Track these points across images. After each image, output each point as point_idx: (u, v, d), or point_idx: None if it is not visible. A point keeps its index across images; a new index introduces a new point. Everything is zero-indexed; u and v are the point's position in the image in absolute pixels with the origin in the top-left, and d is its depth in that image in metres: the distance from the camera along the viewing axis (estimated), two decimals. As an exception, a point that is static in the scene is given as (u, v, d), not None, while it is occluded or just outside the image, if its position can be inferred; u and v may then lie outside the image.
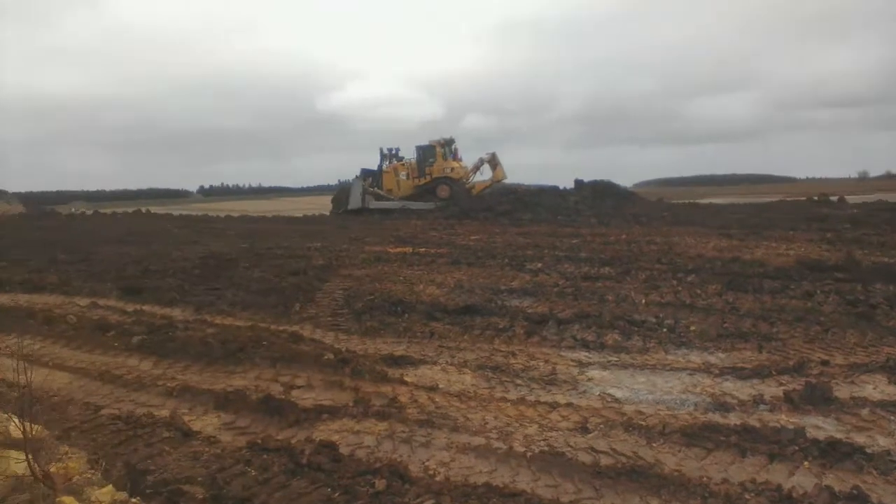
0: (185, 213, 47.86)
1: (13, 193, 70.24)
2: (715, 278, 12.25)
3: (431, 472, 4.99)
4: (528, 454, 5.23)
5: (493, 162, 38.75)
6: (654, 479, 4.75)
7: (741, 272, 12.89)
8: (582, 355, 8.04)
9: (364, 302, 11.06)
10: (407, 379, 7.22)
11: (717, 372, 7.23)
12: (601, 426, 5.78)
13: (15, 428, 4.69)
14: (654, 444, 5.40)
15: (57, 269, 16.00)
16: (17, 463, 4.36)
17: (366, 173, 39.08)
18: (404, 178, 38.98)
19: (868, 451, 5.09)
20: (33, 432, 4.45)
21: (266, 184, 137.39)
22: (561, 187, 39.25)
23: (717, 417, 5.94)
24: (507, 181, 39.37)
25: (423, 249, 18.74)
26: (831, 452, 5.08)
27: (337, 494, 4.51)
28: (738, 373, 7.15)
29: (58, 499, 4.05)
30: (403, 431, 5.79)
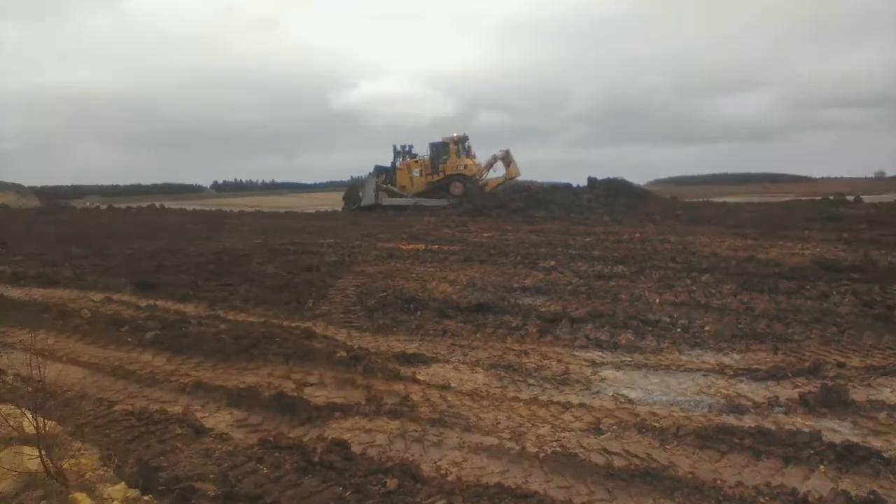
0: (198, 208, 47.98)
1: (28, 187, 70.62)
2: (730, 278, 12.17)
3: (443, 472, 4.97)
4: (541, 455, 5.20)
5: (507, 159, 38.67)
6: (667, 482, 4.71)
7: (756, 272, 12.80)
8: (595, 355, 8.00)
9: (377, 299, 11.05)
10: (419, 377, 7.21)
11: (731, 373, 7.18)
12: (614, 427, 5.74)
13: (28, 424, 4.70)
14: (667, 446, 5.36)
15: (71, 264, 16.11)
16: (31, 459, 4.37)
17: (379, 170, 39.11)
18: (417, 174, 38.98)
19: (885, 455, 5.03)
20: (46, 428, 4.47)
21: (279, 180, 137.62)
22: (574, 185, 39.17)
23: (731, 419, 5.90)
24: (520, 178, 39.28)
25: (435, 246, 18.73)
26: (847, 456, 5.02)
27: (348, 493, 4.50)
28: (753, 374, 7.09)
29: (70, 496, 4.06)
30: (415, 430, 5.77)
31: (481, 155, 39.94)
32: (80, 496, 4.08)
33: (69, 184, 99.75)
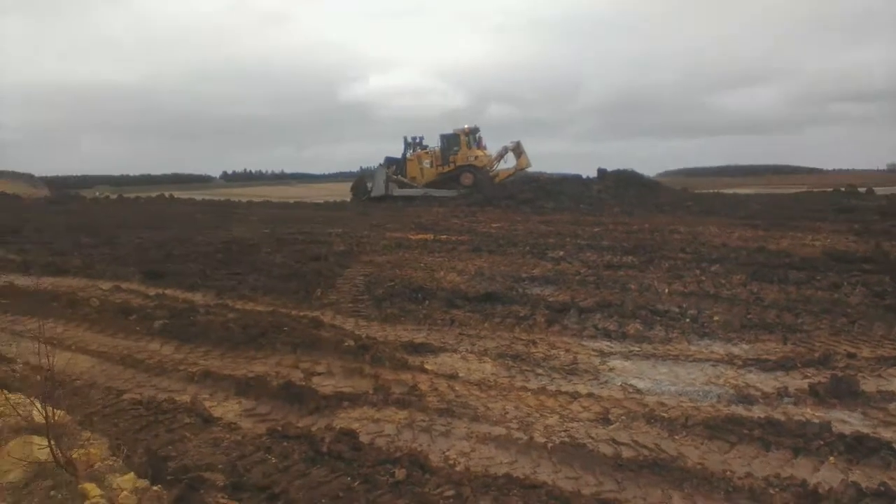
0: (207, 197, 48.07)
1: (39, 178, 70.95)
2: (739, 268, 12.12)
3: (451, 462, 4.97)
4: (549, 445, 5.19)
5: (518, 150, 38.53)
6: (676, 473, 4.69)
7: (766, 262, 12.74)
8: (603, 345, 7.98)
9: (385, 288, 11.05)
10: (427, 367, 7.20)
11: (740, 363, 7.15)
12: (623, 417, 5.72)
13: (38, 413, 4.71)
14: (676, 437, 5.34)
15: (80, 253, 16.18)
16: (40, 449, 4.38)
17: (390, 161, 39.08)
18: (428, 165, 38.91)
19: (895, 446, 5.00)
20: (56, 417, 4.48)
21: (288, 170, 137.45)
22: (584, 176, 39.00)
23: (740, 410, 5.87)
24: (529, 170, 39.17)
25: (444, 237, 18.71)
26: (858, 447, 4.99)
27: (357, 483, 4.49)
28: (762, 364, 7.06)
29: (80, 486, 4.06)
30: (423, 420, 5.76)
31: (492, 147, 39.88)
32: (89, 486, 4.07)
33: (79, 174, 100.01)
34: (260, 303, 10.40)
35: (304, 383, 6.65)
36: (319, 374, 7.06)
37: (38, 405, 4.74)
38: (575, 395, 6.27)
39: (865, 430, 5.31)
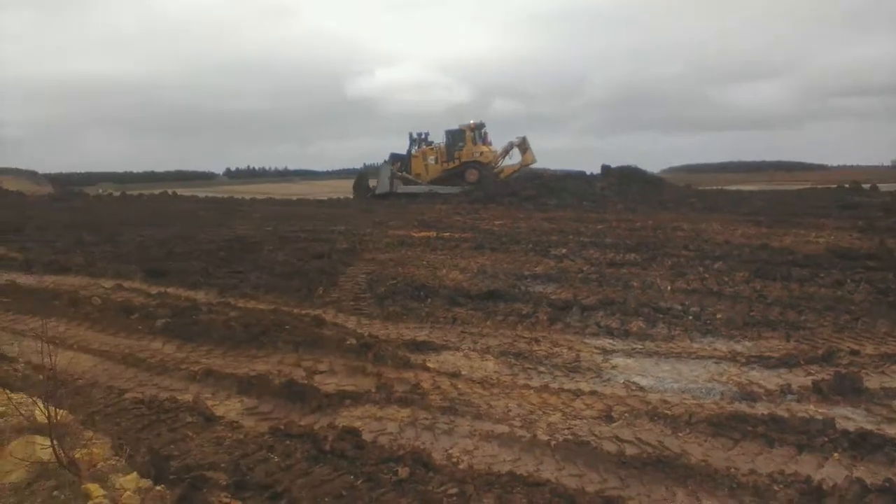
0: (210, 195, 48.11)
1: (43, 174, 71.00)
2: (742, 265, 12.09)
3: (455, 460, 4.96)
4: (553, 443, 5.18)
5: (523, 146, 38.32)
6: (680, 470, 4.69)
7: (769, 259, 12.71)
8: (606, 342, 7.97)
9: (387, 286, 11.04)
10: (429, 365, 7.19)
11: (743, 360, 7.13)
12: (626, 415, 5.71)
13: (40, 412, 4.71)
14: (679, 434, 5.33)
15: (83, 251, 16.18)
16: (43, 449, 4.37)
17: (395, 158, 38.92)
18: (433, 162, 38.74)
19: (900, 443, 4.98)
20: (58, 417, 4.47)
21: (292, 167, 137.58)
22: (587, 172, 38.87)
23: (743, 407, 5.86)
24: (534, 166, 39.02)
25: (447, 234, 18.70)
26: (862, 444, 4.98)
27: (360, 482, 4.49)
28: (766, 362, 7.05)
29: (83, 486, 4.06)
30: (426, 418, 5.76)
31: (497, 142, 39.74)
32: (92, 486, 4.06)
33: (83, 171, 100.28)
34: (262, 301, 10.39)
35: (306, 382, 6.65)
36: (322, 372, 7.05)
37: (41, 405, 4.73)
38: (578, 393, 6.26)
39: (869, 427, 5.29)
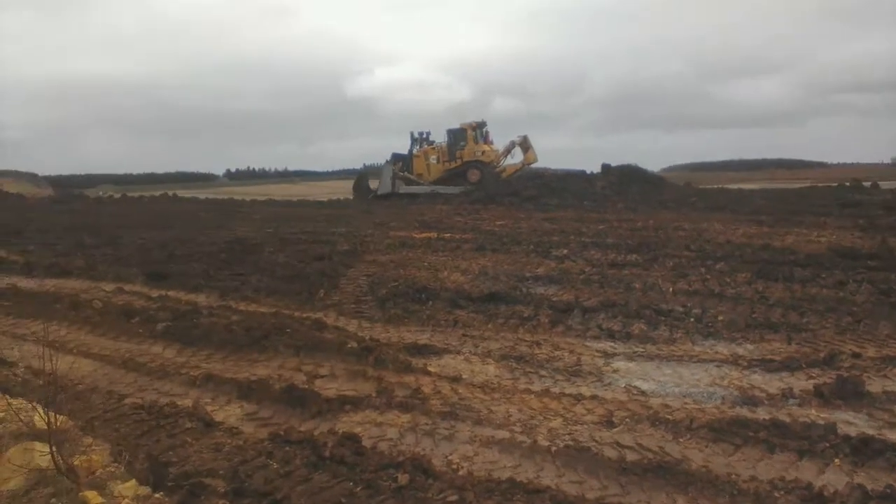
0: (211, 196, 48.12)
1: (43, 177, 71.09)
2: (744, 266, 12.05)
3: (455, 467, 4.94)
4: (553, 449, 5.16)
5: (525, 145, 38.17)
6: (680, 476, 4.66)
7: (771, 260, 12.67)
8: (607, 345, 7.95)
9: (388, 289, 11.02)
10: (430, 369, 7.18)
11: (745, 364, 7.11)
12: (627, 420, 5.69)
13: (39, 418, 4.69)
14: (680, 440, 5.31)
15: (83, 254, 16.19)
16: (41, 455, 4.36)
17: (396, 157, 38.76)
18: (434, 161, 38.57)
19: (902, 448, 4.96)
20: (58, 423, 4.45)
21: (292, 167, 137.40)
22: (588, 172, 38.73)
23: (745, 412, 5.83)
24: (535, 165, 38.90)
25: (448, 235, 18.67)
26: (863, 449, 4.95)
27: (359, 489, 4.47)
28: (767, 365, 7.02)
29: (81, 493, 4.04)
30: (426, 424, 5.74)
31: (498, 141, 39.62)
32: (90, 494, 4.05)
33: (83, 173, 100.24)
34: (263, 304, 10.38)
35: (306, 387, 6.62)
36: (322, 377, 7.04)
37: (40, 410, 4.72)
38: (579, 398, 6.23)
39: (871, 432, 5.27)
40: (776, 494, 4.36)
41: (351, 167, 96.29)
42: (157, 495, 4.22)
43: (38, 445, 4.53)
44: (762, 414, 5.73)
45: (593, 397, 6.23)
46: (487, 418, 5.82)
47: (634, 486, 4.62)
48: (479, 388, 6.59)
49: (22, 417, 4.96)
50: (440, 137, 39.39)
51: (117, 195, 51.13)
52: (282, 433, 5.41)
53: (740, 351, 7.58)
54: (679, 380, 6.75)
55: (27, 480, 4.28)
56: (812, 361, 7.02)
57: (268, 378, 6.89)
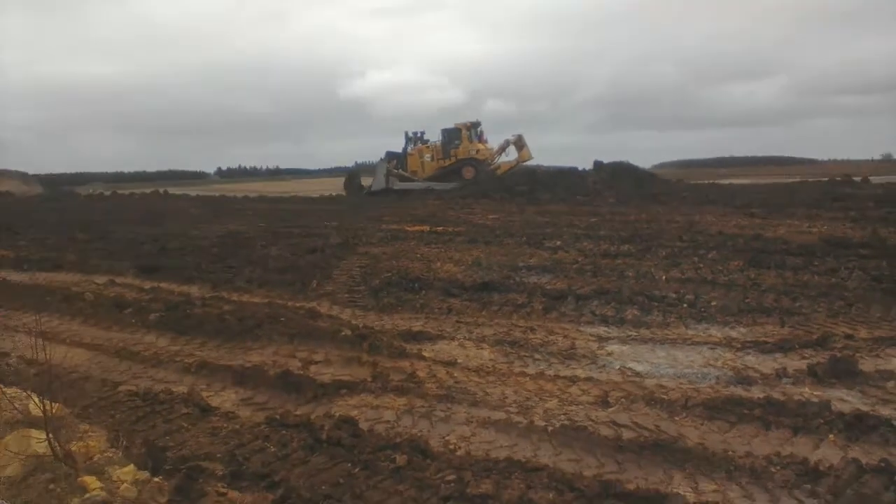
0: (202, 193, 47.94)
1: (33, 175, 70.65)
2: (737, 255, 12.10)
3: (452, 447, 4.95)
4: (549, 428, 5.18)
5: (520, 143, 38.13)
6: (677, 453, 4.68)
7: (763, 249, 12.72)
8: (601, 330, 7.97)
9: (381, 279, 11.02)
10: (425, 354, 7.18)
11: (738, 346, 7.14)
12: (622, 400, 5.71)
13: (35, 406, 4.67)
14: (676, 418, 5.34)
15: (75, 248, 16.12)
16: (38, 442, 4.33)
17: (391, 156, 38.75)
18: (429, 159, 38.59)
19: (894, 423, 5.00)
20: (53, 410, 4.43)
21: (283, 166, 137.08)
22: (580, 168, 38.74)
23: (739, 391, 5.86)
24: (528, 162, 38.87)
25: (440, 228, 18.66)
26: (857, 425, 5.00)
27: (357, 470, 4.47)
28: (761, 347, 7.06)
29: (79, 479, 4.02)
30: (423, 406, 5.75)
31: (492, 140, 39.58)
32: (88, 479, 4.03)
33: (73, 171, 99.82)
34: (256, 295, 10.36)
35: (301, 372, 6.63)
36: (317, 362, 7.03)
37: (35, 398, 4.69)
38: (574, 380, 6.25)
39: (864, 408, 5.31)
40: (772, 469, 4.39)
41: (342, 165, 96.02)
42: (155, 479, 4.20)
43: (35, 432, 4.51)
44: (757, 393, 5.76)
45: (588, 379, 6.25)
46: (483, 400, 5.83)
47: (631, 463, 4.63)
48: (474, 371, 6.60)
49: (17, 406, 4.92)
50: (434, 137, 39.46)
51: (107, 192, 50.87)
52: (278, 417, 5.40)
53: (734, 334, 7.61)
54: (673, 361, 6.77)
55: (25, 467, 4.25)
56: (805, 343, 7.06)
57: (262, 365, 6.88)
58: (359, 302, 9.76)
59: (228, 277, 11.65)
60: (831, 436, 4.89)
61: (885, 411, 5.28)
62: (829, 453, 4.63)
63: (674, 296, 9.19)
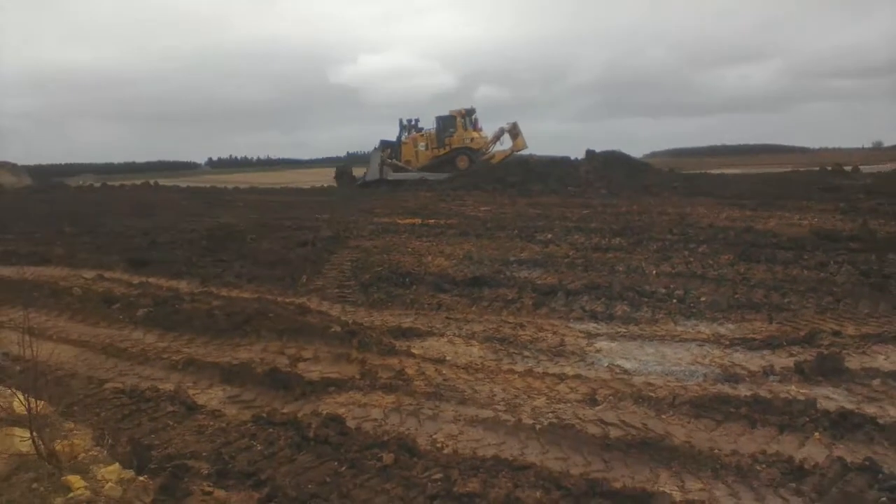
0: (193, 185, 47.76)
1: (22, 166, 70.17)
2: (727, 248, 12.10)
3: (440, 445, 4.95)
4: (537, 426, 5.18)
5: (514, 132, 37.90)
6: (664, 451, 4.70)
7: (754, 242, 12.72)
8: (590, 326, 7.98)
9: (371, 273, 10.99)
10: (414, 351, 7.18)
11: (726, 343, 7.16)
12: (610, 398, 5.72)
13: (19, 404, 4.65)
14: (663, 416, 5.35)
15: (63, 242, 16.04)
16: (22, 441, 4.31)
17: (385, 144, 38.33)
18: (423, 148, 38.22)
19: (879, 421, 5.02)
20: (38, 408, 4.41)
21: (275, 156, 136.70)
22: (572, 158, 38.63)
23: (726, 389, 5.88)
24: (518, 152, 38.74)
25: (432, 221, 18.63)
26: (842, 423, 5.02)
27: (344, 468, 4.47)
28: (749, 344, 7.08)
29: (63, 478, 4.00)
30: (411, 404, 5.74)
31: (486, 128, 39.40)
32: (73, 478, 4.01)
33: (63, 162, 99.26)
34: (245, 290, 10.34)
35: (289, 369, 6.62)
36: (306, 360, 7.02)
37: (20, 396, 4.67)
38: (562, 377, 6.26)
39: (850, 406, 5.33)
40: (758, 467, 4.41)
41: (334, 155, 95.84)
42: (140, 478, 4.19)
43: (18, 431, 4.49)
44: (744, 390, 5.78)
45: (577, 376, 6.26)
46: (472, 398, 5.83)
47: (618, 462, 4.64)
48: (462, 369, 6.60)
49: (1, 403, 4.90)
50: (428, 125, 39.16)
51: (97, 184, 50.61)
52: (265, 415, 5.39)
53: (722, 330, 7.63)
54: (661, 359, 6.79)
55: (8, 466, 4.23)
56: (793, 340, 7.08)
57: (250, 361, 6.87)
58: (349, 297, 9.74)
59: (218, 272, 11.62)
60: (817, 434, 4.91)
61: (870, 409, 5.30)
62: (814, 451, 4.65)
63: (664, 291, 9.21)
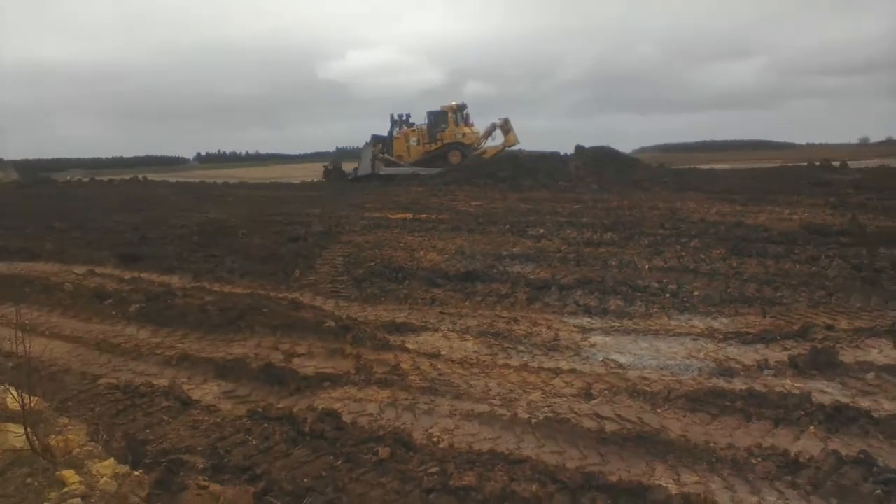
0: (182, 180, 47.61)
1: (9, 161, 69.69)
2: (719, 243, 12.16)
3: (435, 440, 4.94)
4: (533, 421, 5.18)
5: (506, 127, 37.97)
6: (659, 445, 4.70)
7: (745, 237, 12.80)
8: (584, 321, 7.99)
9: (364, 268, 10.98)
10: (409, 346, 7.17)
11: (720, 337, 7.18)
12: (605, 392, 5.73)
13: (12, 400, 4.61)
14: (658, 410, 5.36)
15: (53, 238, 15.93)
16: (16, 437, 4.28)
17: (376, 139, 38.30)
18: (415, 143, 38.22)
19: (874, 415, 5.04)
20: (32, 404, 4.38)
21: (263, 151, 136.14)
22: (562, 153, 38.70)
23: (721, 383, 5.90)
24: (509, 148, 38.75)
25: (423, 216, 18.63)
26: (837, 417, 5.03)
27: (340, 462, 4.45)
28: (742, 338, 7.10)
29: (58, 473, 3.97)
30: (406, 399, 5.73)
31: (478, 124, 39.36)
32: (67, 473, 3.98)
33: (51, 157, 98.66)
34: (238, 285, 10.30)
35: (284, 365, 6.59)
36: (300, 355, 7.00)
37: (14, 392, 4.63)
38: (557, 371, 6.26)
39: (844, 400, 5.36)
40: (753, 461, 4.42)
41: (324, 150, 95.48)
42: (135, 473, 4.16)
43: (12, 426, 4.45)
44: (738, 384, 5.80)
45: (571, 371, 6.26)
46: (467, 392, 5.83)
47: (614, 455, 4.65)
48: (457, 363, 6.59)
49: (-7, 399, 4.86)
50: (419, 120, 39.13)
51: (86, 179, 50.35)
52: (260, 410, 5.36)
53: (716, 325, 7.65)
54: (656, 353, 6.80)
55: (2, 461, 4.19)
56: (786, 334, 7.11)
57: (245, 357, 6.83)
58: (342, 292, 9.72)
59: (210, 267, 11.57)
60: (812, 427, 4.93)
61: (864, 403, 5.33)
62: (809, 445, 4.66)
63: (657, 285, 9.23)
